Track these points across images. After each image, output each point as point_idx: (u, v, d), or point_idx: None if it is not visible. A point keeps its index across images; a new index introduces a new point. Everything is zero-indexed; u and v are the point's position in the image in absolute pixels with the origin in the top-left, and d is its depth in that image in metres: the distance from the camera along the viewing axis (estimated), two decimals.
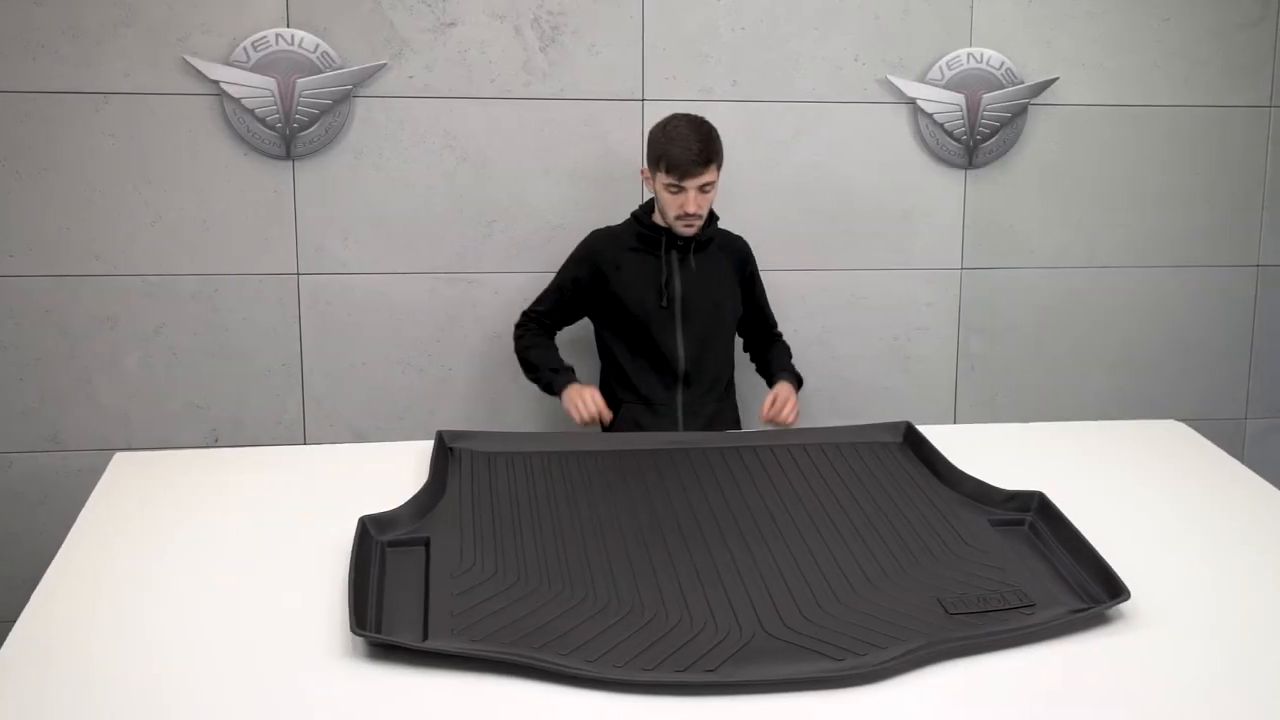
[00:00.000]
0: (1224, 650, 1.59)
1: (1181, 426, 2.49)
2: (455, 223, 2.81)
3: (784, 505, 1.99)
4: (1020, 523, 1.94)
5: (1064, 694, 1.50)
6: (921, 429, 2.29)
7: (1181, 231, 3.07)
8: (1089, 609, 1.67)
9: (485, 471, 2.10)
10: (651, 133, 2.35)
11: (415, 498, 1.94)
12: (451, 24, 2.71)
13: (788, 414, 2.35)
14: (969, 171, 2.95)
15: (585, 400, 2.28)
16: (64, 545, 1.84)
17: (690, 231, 2.35)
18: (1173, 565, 1.83)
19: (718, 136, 2.33)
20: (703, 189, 2.29)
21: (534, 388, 2.80)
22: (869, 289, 2.99)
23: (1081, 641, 1.62)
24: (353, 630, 1.51)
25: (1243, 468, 2.26)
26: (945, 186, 2.95)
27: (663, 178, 2.28)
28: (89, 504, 1.99)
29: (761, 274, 2.88)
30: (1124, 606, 1.68)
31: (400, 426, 2.85)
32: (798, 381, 2.54)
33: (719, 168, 2.32)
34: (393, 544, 1.81)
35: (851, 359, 3.01)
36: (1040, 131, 2.96)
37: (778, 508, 1.98)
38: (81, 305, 2.72)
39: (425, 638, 1.56)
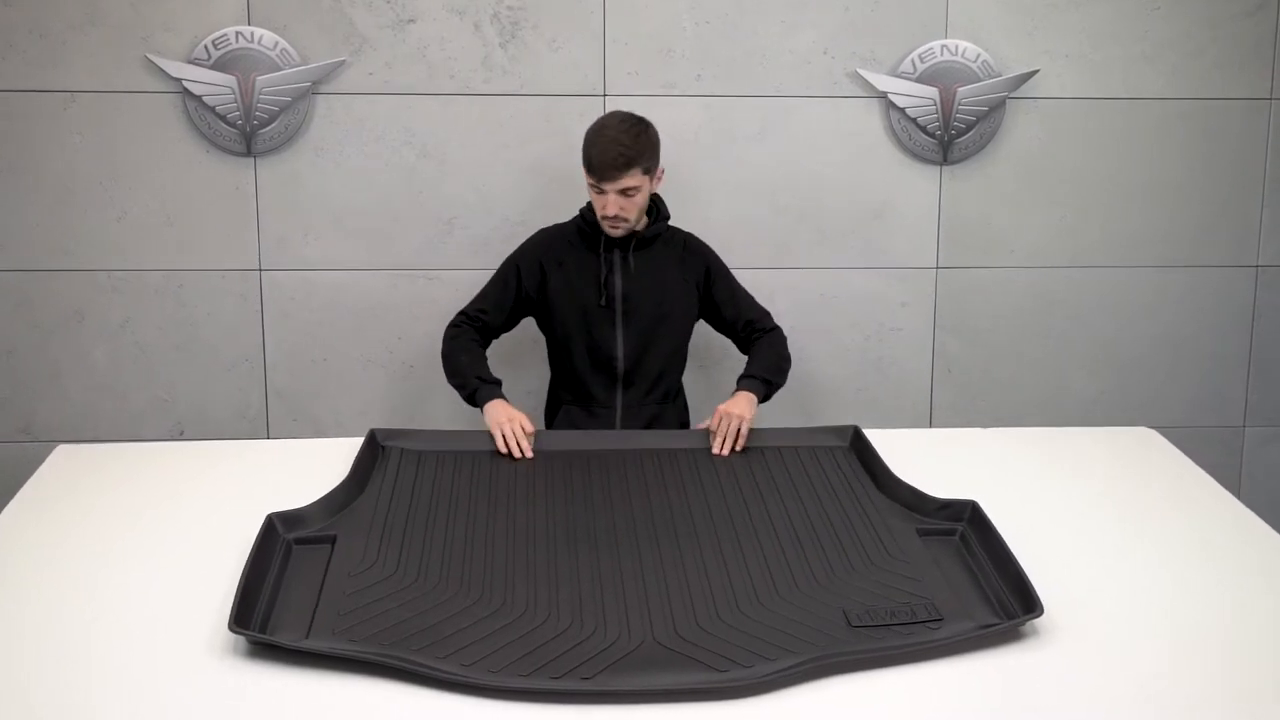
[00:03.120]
0: (1133, 671, 1.52)
1: (1153, 434, 2.38)
2: (415, 219, 2.80)
3: (709, 510, 1.95)
4: (951, 532, 1.88)
5: (955, 713, 1.44)
6: (881, 432, 2.24)
7: (1173, 230, 2.94)
8: (996, 625, 1.60)
9: (412, 470, 2.09)
10: (588, 129, 2.31)
11: (328, 495, 1.93)
12: (411, 20, 2.71)
13: (720, 443, 2.13)
14: (944, 167, 2.86)
15: (515, 429, 2.12)
16: None
17: (616, 233, 2.31)
18: (1106, 580, 1.76)
19: (648, 140, 2.27)
20: (625, 193, 2.24)
21: None
22: (839, 288, 2.91)
23: (985, 658, 1.56)
24: (230, 628, 1.51)
25: (1208, 479, 2.17)
26: (919, 183, 2.87)
27: (587, 177, 2.25)
28: (20, 493, 2.03)
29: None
30: (1040, 622, 1.62)
31: (362, 422, 2.85)
32: (766, 388, 2.32)
33: (647, 173, 2.26)
34: (299, 541, 1.81)
35: (821, 360, 2.94)
36: (1020, 126, 2.85)
37: (703, 512, 1.94)
38: (51, 299, 2.77)
39: (308, 637, 1.55)
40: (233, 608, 1.55)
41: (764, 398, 2.31)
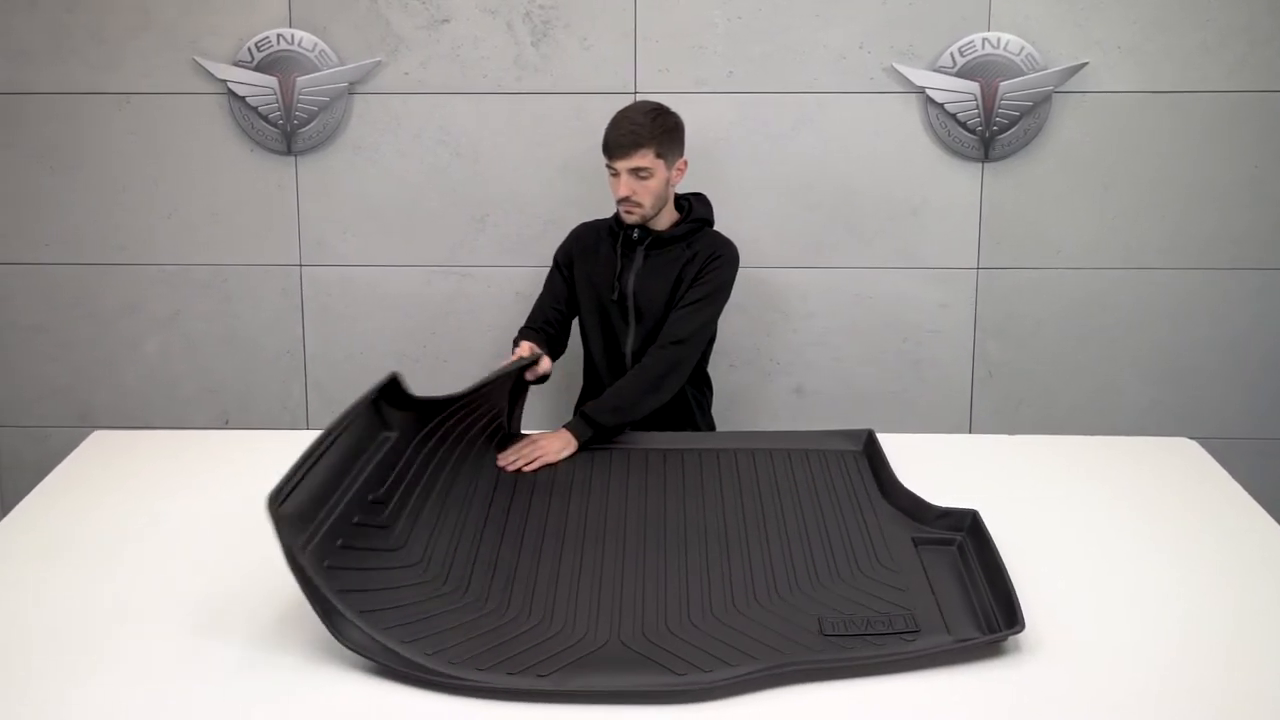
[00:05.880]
0: (1114, 698, 1.44)
1: (1193, 445, 2.26)
2: (449, 216, 2.84)
3: (703, 511, 1.93)
4: (950, 542, 1.82)
5: None
6: (903, 437, 2.19)
7: (1235, 230, 2.78)
8: (971, 640, 1.54)
9: (432, 433, 2.07)
10: None
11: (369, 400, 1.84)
12: (445, 20, 2.75)
13: (509, 459, 2.03)
14: (985, 164, 2.76)
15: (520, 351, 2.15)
16: (14, 510, 1.97)
17: (631, 219, 2.30)
18: (1108, 599, 1.67)
19: (664, 124, 2.26)
20: (637, 174, 2.23)
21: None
22: (875, 289, 2.84)
23: (959, 674, 1.51)
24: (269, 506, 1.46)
25: (1244, 495, 2.05)
26: (959, 180, 2.78)
27: (605, 160, 2.26)
28: (49, 477, 2.12)
29: (758, 271, 2.79)
30: (1024, 640, 1.56)
31: None
32: (593, 430, 2.11)
33: (661, 157, 2.25)
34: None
35: (856, 362, 2.88)
36: (1067, 121, 2.73)
37: (697, 514, 1.92)
38: (106, 292, 2.90)
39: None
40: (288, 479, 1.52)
41: (594, 439, 2.12)
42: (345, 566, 1.57)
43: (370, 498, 1.70)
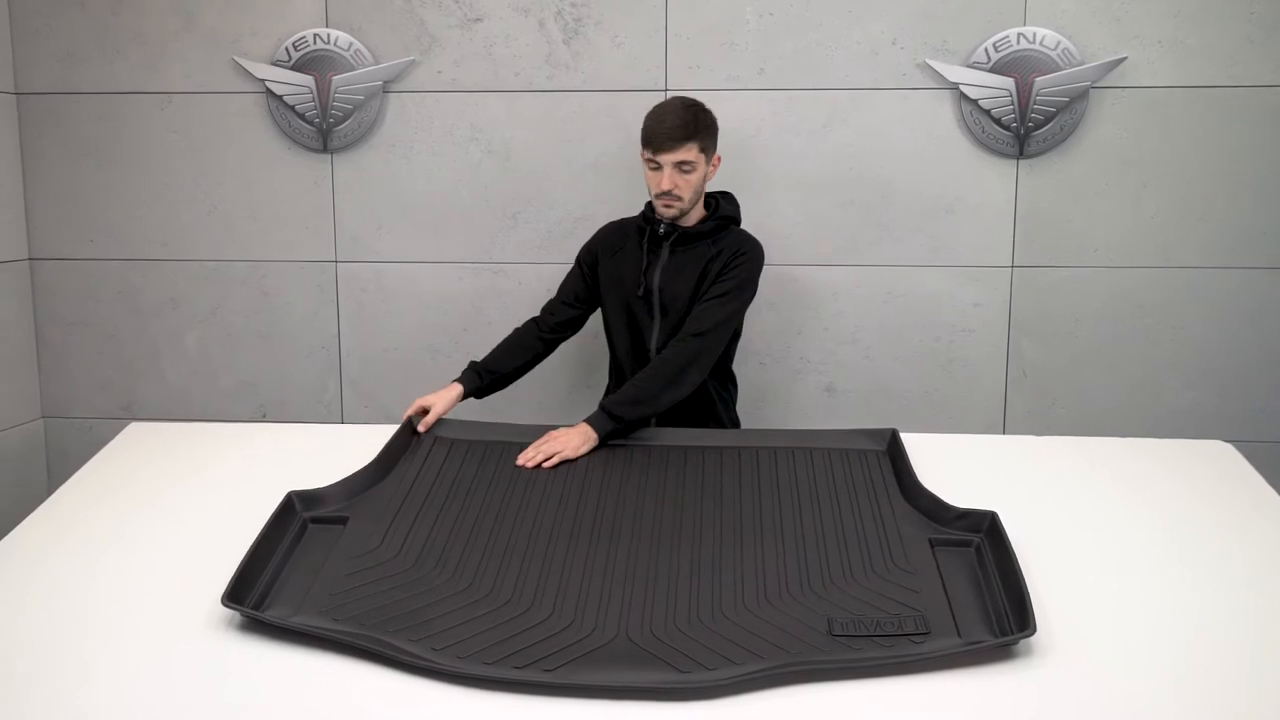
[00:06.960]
0: (1122, 705, 1.41)
1: (1227, 448, 2.22)
2: (481, 214, 2.87)
3: (720, 509, 1.93)
4: (968, 544, 1.80)
5: None
6: (929, 437, 2.17)
7: (1277, 228, 2.71)
8: (981, 643, 1.53)
9: (440, 457, 2.12)
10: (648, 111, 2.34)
11: (350, 478, 1.99)
12: (478, 19, 2.77)
13: (526, 458, 2.06)
14: (1020, 161, 2.72)
15: (413, 408, 2.25)
16: (48, 499, 2.02)
17: (669, 213, 2.30)
18: (1127, 603, 1.64)
19: (706, 119, 2.28)
20: (680, 168, 2.25)
21: (551, 379, 2.81)
22: (908, 286, 2.82)
23: (966, 677, 1.49)
24: (221, 602, 1.58)
25: (1277, 498, 1.99)
26: (993, 177, 2.74)
27: (645, 154, 2.28)
28: (86, 466, 2.17)
29: (790, 268, 2.79)
30: (1036, 643, 1.54)
31: None
32: (613, 424, 2.13)
33: (704, 151, 2.27)
34: (315, 520, 1.88)
35: (888, 361, 2.85)
36: (1105, 117, 2.69)
37: (714, 512, 1.92)
38: (149, 287, 2.97)
39: (297, 614, 1.61)
40: (230, 582, 1.62)
41: (615, 433, 2.14)
42: (345, 602, 1.62)
43: (353, 554, 1.76)
